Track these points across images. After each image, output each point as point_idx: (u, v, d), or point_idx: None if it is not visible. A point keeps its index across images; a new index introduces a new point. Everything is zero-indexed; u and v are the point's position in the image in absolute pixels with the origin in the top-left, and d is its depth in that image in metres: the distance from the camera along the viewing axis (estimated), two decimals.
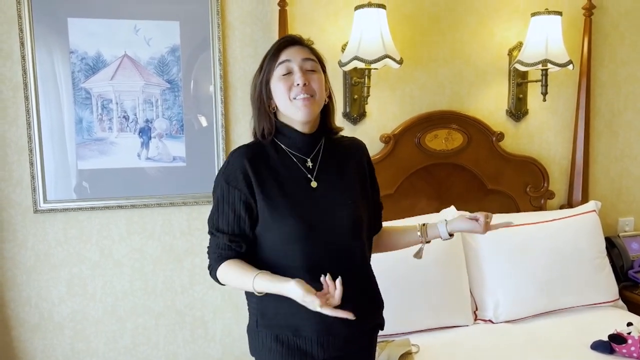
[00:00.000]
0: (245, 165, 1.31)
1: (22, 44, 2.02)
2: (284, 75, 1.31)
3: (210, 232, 1.37)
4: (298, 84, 1.29)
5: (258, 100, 1.35)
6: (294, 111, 1.31)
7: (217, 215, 1.34)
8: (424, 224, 1.50)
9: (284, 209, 1.30)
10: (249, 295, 1.37)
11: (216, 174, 1.45)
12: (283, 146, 1.36)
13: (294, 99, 1.30)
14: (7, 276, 2.13)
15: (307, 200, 1.33)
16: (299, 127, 1.35)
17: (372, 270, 1.46)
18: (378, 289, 1.46)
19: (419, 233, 1.48)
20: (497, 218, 2.33)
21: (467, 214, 1.48)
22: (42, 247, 2.15)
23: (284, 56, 1.32)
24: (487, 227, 1.43)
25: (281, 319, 1.32)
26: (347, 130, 2.32)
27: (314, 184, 1.35)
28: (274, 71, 1.32)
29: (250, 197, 1.30)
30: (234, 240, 1.32)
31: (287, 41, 1.35)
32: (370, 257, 1.47)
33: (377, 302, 1.45)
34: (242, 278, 1.27)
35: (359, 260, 1.37)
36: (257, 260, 1.34)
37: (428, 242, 1.50)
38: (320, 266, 1.27)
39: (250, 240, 1.33)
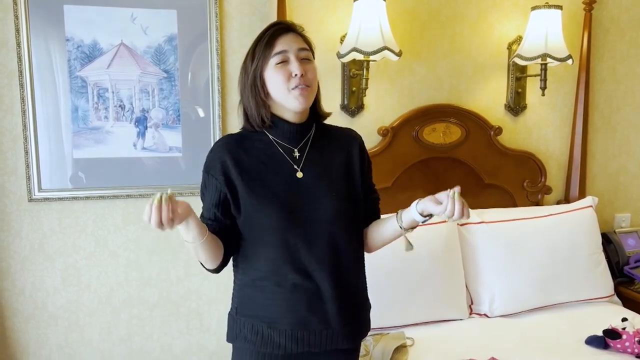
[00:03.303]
0: (225, 155, 1.31)
1: (17, 30, 2.00)
2: (279, 64, 1.29)
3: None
4: (296, 74, 1.28)
5: (252, 88, 1.33)
6: (290, 101, 1.30)
7: (203, 203, 1.36)
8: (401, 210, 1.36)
9: (265, 198, 1.29)
10: (234, 281, 1.40)
11: None
12: (271, 137, 1.36)
13: (292, 89, 1.29)
14: (1, 266, 2.12)
15: (291, 190, 1.31)
16: (290, 117, 1.34)
17: (362, 267, 1.42)
18: (365, 287, 1.42)
19: (396, 218, 1.36)
20: (493, 213, 2.35)
21: (442, 193, 1.24)
22: (36, 236, 2.14)
23: (279, 46, 1.30)
24: (452, 213, 1.20)
25: (257, 309, 1.33)
26: (345, 122, 2.31)
27: (299, 175, 1.33)
28: (269, 60, 1.30)
29: (225, 187, 1.30)
30: (209, 225, 1.32)
31: (281, 29, 1.32)
32: (362, 252, 1.43)
33: (362, 303, 1.41)
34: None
35: (343, 254, 1.33)
36: (239, 249, 1.36)
37: (410, 229, 1.35)
38: (299, 258, 1.29)
39: (227, 226, 1.33)
